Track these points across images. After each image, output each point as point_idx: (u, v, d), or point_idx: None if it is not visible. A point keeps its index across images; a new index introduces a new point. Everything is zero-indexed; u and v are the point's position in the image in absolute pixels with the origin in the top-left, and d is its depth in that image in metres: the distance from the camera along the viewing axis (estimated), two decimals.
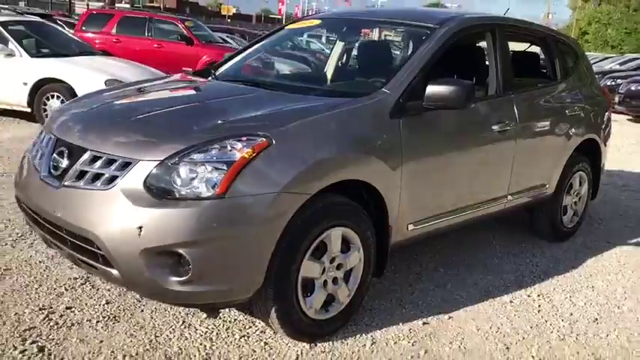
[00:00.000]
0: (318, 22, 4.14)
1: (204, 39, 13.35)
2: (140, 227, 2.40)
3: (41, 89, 7.78)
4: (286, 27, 4.30)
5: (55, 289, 3.26)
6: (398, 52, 3.75)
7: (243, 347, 2.83)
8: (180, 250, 2.41)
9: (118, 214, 2.46)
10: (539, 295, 3.69)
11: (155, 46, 12.71)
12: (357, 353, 2.86)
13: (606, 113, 5.02)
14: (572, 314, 3.47)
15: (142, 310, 3.10)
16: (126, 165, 2.52)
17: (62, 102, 7.61)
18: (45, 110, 7.79)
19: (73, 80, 7.68)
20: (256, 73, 4.11)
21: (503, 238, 4.65)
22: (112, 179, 2.52)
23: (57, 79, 7.73)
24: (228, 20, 44.40)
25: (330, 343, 2.92)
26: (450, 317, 3.30)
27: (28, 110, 7.92)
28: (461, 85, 3.08)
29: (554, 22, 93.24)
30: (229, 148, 2.51)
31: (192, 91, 3.55)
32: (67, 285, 3.31)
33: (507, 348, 3.03)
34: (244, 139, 2.54)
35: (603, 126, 4.94)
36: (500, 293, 3.67)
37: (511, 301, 3.57)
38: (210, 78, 3.81)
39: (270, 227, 2.53)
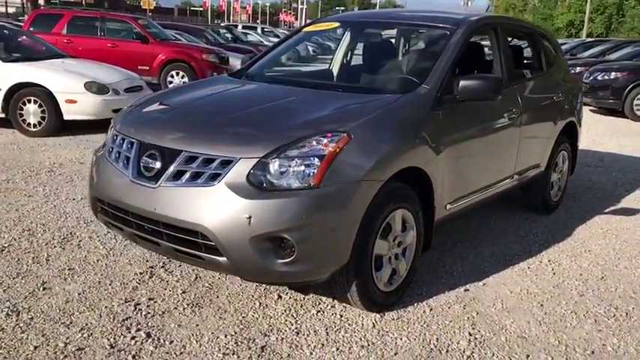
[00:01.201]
0: (336, 24, 4.49)
1: (159, 37, 13.31)
2: (249, 217, 2.71)
3: (17, 94, 7.68)
4: (303, 30, 4.63)
5: (127, 283, 3.48)
6: (417, 50, 4.15)
7: (324, 320, 3.18)
8: (285, 235, 2.74)
9: (226, 207, 2.75)
10: (549, 261, 4.22)
11: (109, 45, 12.57)
12: (422, 318, 3.27)
13: (579, 98, 5.65)
14: (581, 274, 4.01)
15: (218, 297, 3.38)
16: (226, 163, 2.81)
17: (40, 106, 7.58)
18: (22, 116, 7.70)
19: (51, 84, 7.64)
20: (291, 74, 4.41)
21: (499, 217, 5.16)
22: (215, 176, 2.81)
23: (34, 84, 7.65)
24: (149, 14, 43.37)
25: (396, 312, 3.31)
26: (484, 284, 3.76)
27: (2, 116, 7.80)
28: (491, 79, 3.53)
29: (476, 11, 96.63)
30: (318, 144, 2.84)
31: (255, 93, 3.83)
32: (137, 279, 3.54)
33: (541, 305, 3.52)
34: (329, 135, 2.88)
35: (578, 109, 5.56)
36: (517, 261, 4.17)
37: (528, 267, 4.08)
38: (243, 78, 4.12)
39: (356, 211, 2.89)
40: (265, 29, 35.57)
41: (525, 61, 5.31)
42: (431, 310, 3.37)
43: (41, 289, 3.35)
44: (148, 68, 12.51)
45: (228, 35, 23.94)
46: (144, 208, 2.95)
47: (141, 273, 3.63)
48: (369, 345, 2.96)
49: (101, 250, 3.97)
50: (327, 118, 3.12)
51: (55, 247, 3.99)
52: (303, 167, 2.79)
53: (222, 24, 39.93)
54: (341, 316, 3.23)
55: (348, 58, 4.44)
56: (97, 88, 7.77)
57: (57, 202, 4.92)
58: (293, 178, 2.78)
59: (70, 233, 4.23)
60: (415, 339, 3.05)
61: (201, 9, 77.96)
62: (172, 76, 12.74)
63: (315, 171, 2.78)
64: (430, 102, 3.47)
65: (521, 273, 3.97)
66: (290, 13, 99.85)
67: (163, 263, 3.78)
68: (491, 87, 3.51)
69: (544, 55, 5.11)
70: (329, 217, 2.81)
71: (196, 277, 3.60)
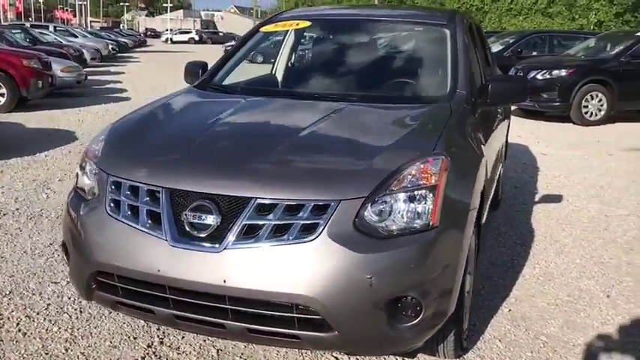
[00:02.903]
0: (306, 23, 3.82)
1: None
2: (370, 277, 2.08)
3: None
4: (261, 29, 3.90)
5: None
6: (426, 52, 3.69)
7: None
8: (412, 293, 2.16)
9: (337, 267, 2.08)
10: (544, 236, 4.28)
11: None
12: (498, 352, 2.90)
13: None
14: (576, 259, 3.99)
15: None
16: (322, 208, 2.14)
17: None
18: None
19: None
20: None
21: None
22: (311, 227, 2.12)
23: None
24: None
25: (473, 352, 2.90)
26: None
27: None
28: (519, 80, 3.26)
29: (262, 8, 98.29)
30: (421, 173, 2.29)
31: (281, 112, 3.04)
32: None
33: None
34: (431, 160, 2.33)
35: None
36: (527, 242, 4.32)
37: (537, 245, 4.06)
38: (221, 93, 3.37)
39: (465, 248, 2.41)
40: (58, 27, 32.33)
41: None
42: (500, 341, 3.01)
43: None
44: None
45: (22, 35, 21.10)
46: (204, 282, 2.14)
47: (142, 358, 2.73)
48: None
49: (62, 332, 2.94)
50: (407, 141, 2.55)
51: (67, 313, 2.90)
52: (416, 203, 2.22)
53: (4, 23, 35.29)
54: None
55: (348, 63, 3.74)
56: None
57: None
58: (409, 218, 2.20)
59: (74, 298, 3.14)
60: None
61: None
62: None
63: (431, 206, 2.23)
64: (470, 108, 3.09)
65: (539, 246, 3.82)
66: (67, 10, 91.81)
67: (160, 336, 2.91)
68: (521, 88, 3.23)
69: (489, 50, 5.02)
70: (447, 260, 2.29)
71: (218, 352, 2.80)
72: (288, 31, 4.26)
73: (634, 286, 3.73)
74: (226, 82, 3.62)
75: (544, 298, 3.51)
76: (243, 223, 2.14)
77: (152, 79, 17.69)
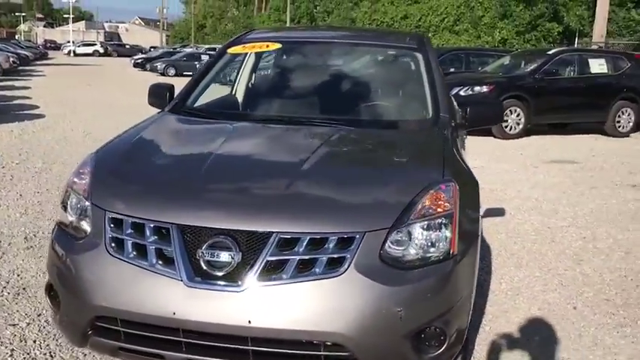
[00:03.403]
0: (277, 45, 3.72)
1: None
2: (400, 309, 2.05)
3: None
4: (227, 51, 3.76)
5: None
6: (401, 75, 3.68)
7: None
8: (437, 322, 2.15)
9: (368, 301, 2.03)
10: (500, 250, 4.30)
11: None
12: None
13: None
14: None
15: None
16: (346, 241, 2.08)
17: None
18: None
19: None
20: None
21: None
22: (337, 261, 2.05)
23: None
24: None
25: None
26: None
27: None
28: (497, 104, 3.35)
29: (169, 20, 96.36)
30: (437, 200, 2.29)
31: (277, 140, 2.93)
32: None
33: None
34: (443, 187, 2.34)
35: None
36: (487, 257, 4.13)
37: (496, 259, 4.07)
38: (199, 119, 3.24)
39: (476, 274, 2.44)
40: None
41: None
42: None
43: None
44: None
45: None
46: (227, 324, 2.02)
47: None
48: None
49: None
50: (415, 169, 2.58)
51: None
52: (436, 232, 2.22)
53: None
54: None
55: (326, 88, 3.65)
56: None
57: None
58: (430, 247, 2.19)
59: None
60: None
61: None
62: None
63: (449, 235, 2.23)
64: (453, 131, 3.14)
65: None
66: None
67: None
68: (498, 112, 3.34)
69: None
70: (466, 287, 2.30)
71: None
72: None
73: (594, 297, 3.92)
74: (197, 105, 3.48)
75: (517, 313, 3.61)
76: (266, 259, 2.05)
77: (63, 93, 16.86)
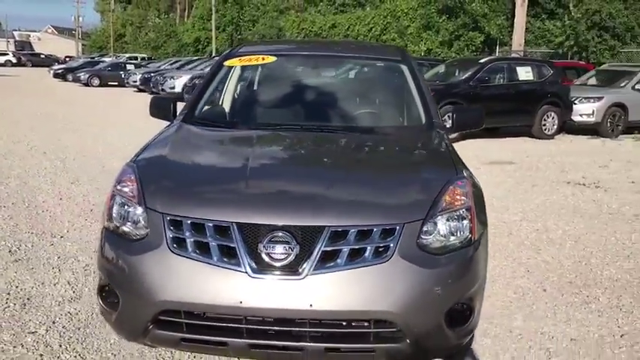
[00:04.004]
0: (272, 59, 3.94)
1: None
2: (438, 289, 2.36)
3: None
4: (224, 64, 3.96)
5: None
6: (390, 85, 3.99)
7: None
8: (465, 300, 2.48)
9: (412, 283, 2.33)
10: None
11: None
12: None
13: None
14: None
15: None
16: (389, 232, 2.38)
17: None
18: None
19: None
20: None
21: None
22: (383, 250, 2.35)
23: None
24: None
25: None
26: None
27: None
28: (477, 110, 3.75)
29: (84, 28, 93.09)
30: (456, 194, 2.63)
31: (304, 144, 3.21)
32: None
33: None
34: (460, 183, 2.69)
35: None
36: None
37: None
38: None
39: (487, 255, 2.80)
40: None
41: None
42: (485, 337, 3.44)
43: None
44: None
45: None
46: (291, 309, 2.26)
47: None
48: None
49: None
50: (434, 167, 2.94)
51: None
52: (458, 222, 2.56)
53: None
54: None
55: (324, 98, 3.90)
56: None
57: None
58: (456, 235, 2.53)
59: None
60: None
61: None
62: None
63: (470, 224, 2.58)
64: (444, 134, 3.51)
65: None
66: None
67: None
68: (479, 117, 3.74)
69: None
70: (484, 268, 2.66)
71: None
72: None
73: (558, 280, 4.39)
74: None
75: (497, 297, 4.02)
76: (322, 250, 2.31)
77: None
